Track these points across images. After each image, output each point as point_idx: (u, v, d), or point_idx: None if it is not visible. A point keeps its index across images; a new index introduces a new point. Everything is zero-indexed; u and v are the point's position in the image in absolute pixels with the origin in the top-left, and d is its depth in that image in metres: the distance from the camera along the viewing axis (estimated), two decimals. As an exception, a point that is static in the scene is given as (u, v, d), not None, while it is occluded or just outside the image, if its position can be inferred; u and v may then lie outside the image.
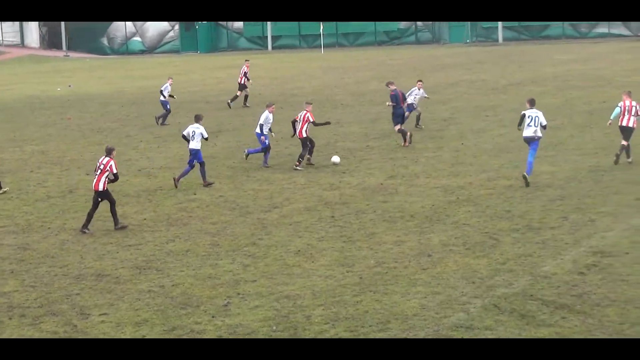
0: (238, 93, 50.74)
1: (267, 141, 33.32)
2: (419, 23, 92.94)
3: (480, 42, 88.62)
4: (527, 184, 28.73)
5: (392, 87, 36.98)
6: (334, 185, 29.71)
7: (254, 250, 22.98)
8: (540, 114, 30.20)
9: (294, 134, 33.72)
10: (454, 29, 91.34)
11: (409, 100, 38.05)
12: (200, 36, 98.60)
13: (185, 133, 31.09)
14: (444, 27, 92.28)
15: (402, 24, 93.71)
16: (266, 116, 33.23)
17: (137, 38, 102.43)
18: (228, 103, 49.90)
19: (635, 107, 32.04)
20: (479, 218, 24.87)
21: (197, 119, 31.33)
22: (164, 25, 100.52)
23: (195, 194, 29.54)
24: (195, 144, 30.51)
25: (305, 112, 33.40)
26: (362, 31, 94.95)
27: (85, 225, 25.67)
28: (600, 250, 21.31)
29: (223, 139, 39.97)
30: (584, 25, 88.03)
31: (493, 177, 29.76)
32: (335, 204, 27.32)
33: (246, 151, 34.95)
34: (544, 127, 30.18)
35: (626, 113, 31.98)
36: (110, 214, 25.68)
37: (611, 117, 32.37)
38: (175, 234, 25.03)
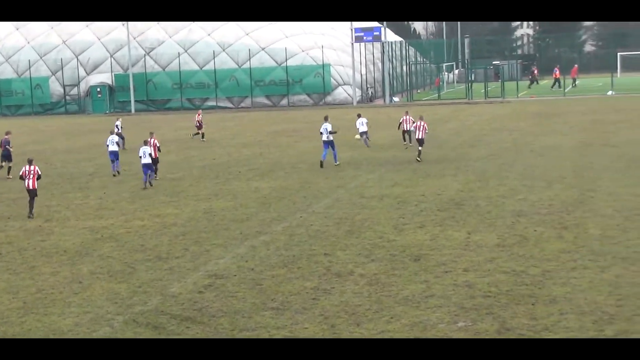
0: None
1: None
2: (68, 97, 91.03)
3: (117, 112, 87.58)
4: (322, 166, 38.57)
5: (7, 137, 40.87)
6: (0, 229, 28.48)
7: None
8: (328, 125, 39.15)
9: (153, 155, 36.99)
10: (96, 102, 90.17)
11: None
12: None
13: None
14: (88, 100, 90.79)
15: (54, 97, 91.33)
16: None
17: None
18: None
19: (424, 125, 40.12)
20: (120, 251, 24.50)
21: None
22: None
23: None
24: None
25: (153, 139, 37.60)
26: (22, 103, 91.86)
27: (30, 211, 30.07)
28: (214, 273, 21.46)
29: None
30: (197, 99, 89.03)
31: (130, 218, 29.44)
32: (2, 244, 26.14)
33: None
34: (330, 133, 38.89)
35: (418, 130, 39.96)
36: None
37: (411, 132, 42.05)
38: None
